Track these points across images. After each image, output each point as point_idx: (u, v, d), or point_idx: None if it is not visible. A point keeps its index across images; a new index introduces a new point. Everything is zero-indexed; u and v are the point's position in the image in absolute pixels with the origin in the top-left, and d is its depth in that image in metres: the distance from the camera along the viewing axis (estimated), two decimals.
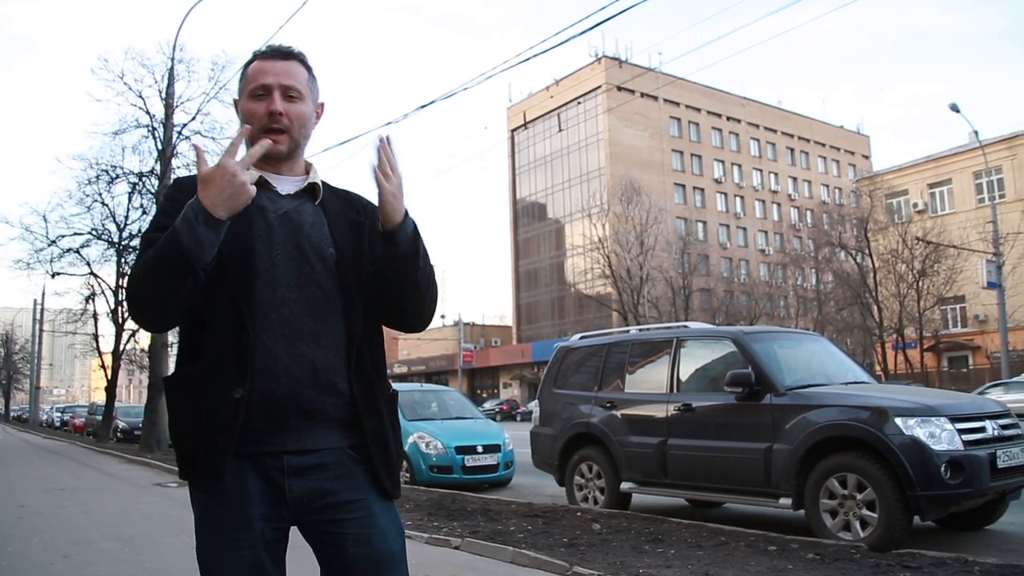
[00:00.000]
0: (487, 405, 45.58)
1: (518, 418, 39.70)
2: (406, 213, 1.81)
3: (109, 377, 24.51)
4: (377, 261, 1.85)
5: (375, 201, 1.84)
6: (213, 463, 1.73)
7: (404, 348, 71.04)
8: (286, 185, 1.88)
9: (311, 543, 1.85)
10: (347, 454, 1.81)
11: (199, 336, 1.79)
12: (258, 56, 1.90)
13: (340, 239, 1.86)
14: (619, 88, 57.23)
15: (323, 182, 1.93)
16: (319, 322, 1.79)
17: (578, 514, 7.30)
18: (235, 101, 1.93)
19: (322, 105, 1.97)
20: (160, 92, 19.32)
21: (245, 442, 1.74)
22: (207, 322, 1.77)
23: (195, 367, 1.78)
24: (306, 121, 1.89)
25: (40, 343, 45.29)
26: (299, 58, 1.91)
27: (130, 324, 23.36)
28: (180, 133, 19.37)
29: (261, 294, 1.76)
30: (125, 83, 19.26)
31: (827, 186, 69.34)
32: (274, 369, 1.74)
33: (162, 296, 1.70)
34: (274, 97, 1.83)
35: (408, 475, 10.66)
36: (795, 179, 69.07)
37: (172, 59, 18.85)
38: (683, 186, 62.61)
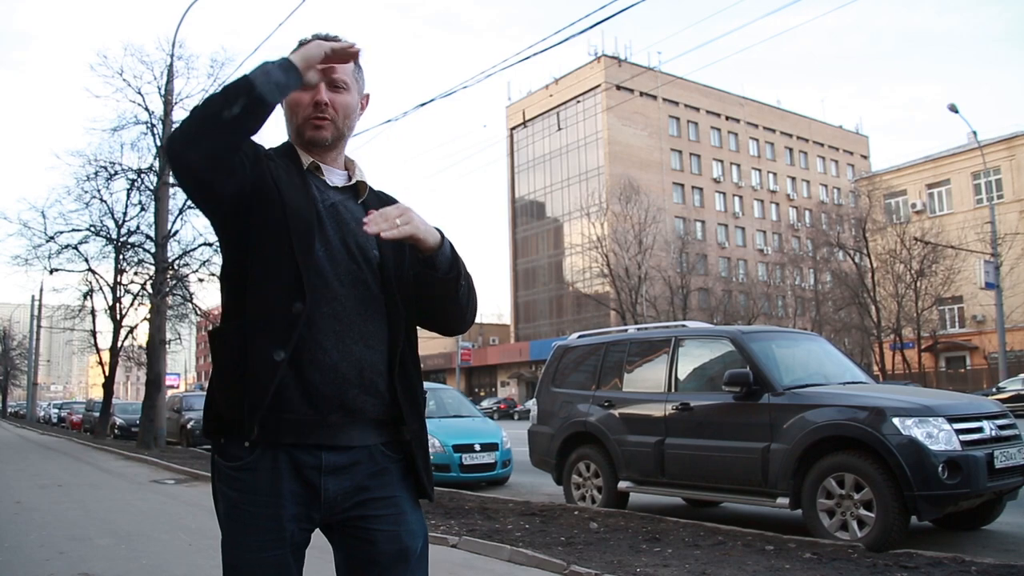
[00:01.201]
0: (484, 404, 45.54)
1: (516, 417, 39.69)
2: (441, 236, 1.79)
3: (107, 374, 24.44)
4: (418, 277, 1.85)
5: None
6: (249, 422, 1.70)
7: None
8: (334, 177, 1.89)
9: (338, 539, 1.85)
10: (380, 451, 1.82)
11: (246, 294, 1.76)
12: (304, 45, 1.87)
13: (383, 242, 1.83)
14: (618, 87, 57.25)
15: (366, 184, 1.94)
16: (367, 322, 1.79)
17: (575, 513, 7.30)
18: None
19: (367, 96, 1.97)
20: (159, 89, 19.31)
21: (286, 432, 1.73)
22: (260, 284, 1.75)
23: (241, 323, 1.75)
24: (351, 112, 1.90)
25: (38, 339, 45.33)
26: None
27: (128, 321, 23.39)
28: None
29: (316, 284, 1.74)
30: (124, 79, 19.24)
31: (826, 186, 69.42)
32: (323, 364, 1.73)
33: (208, 119, 1.64)
34: (320, 88, 1.83)
35: None
36: (794, 179, 69.11)
37: (171, 56, 18.85)
38: (682, 185, 62.63)
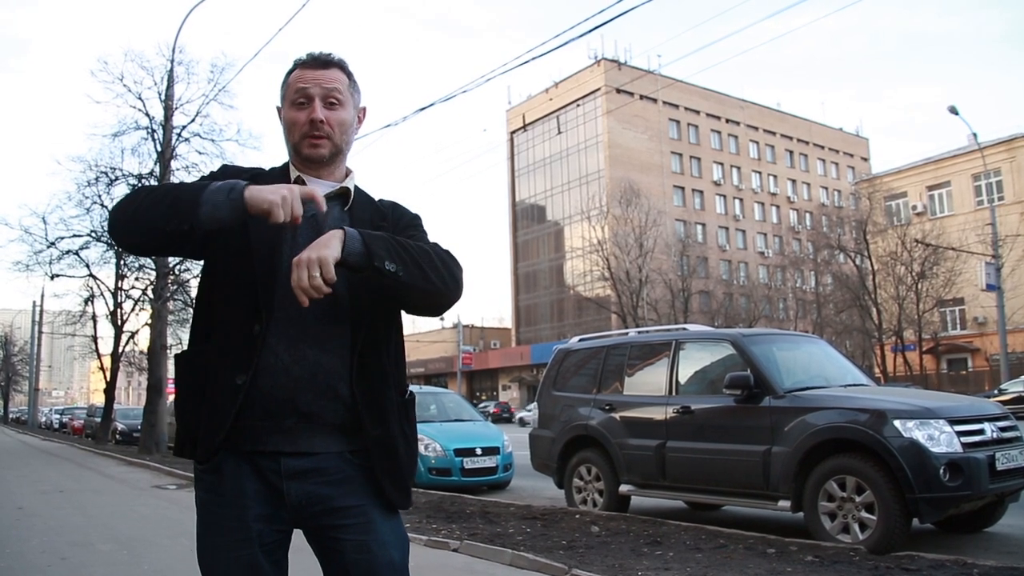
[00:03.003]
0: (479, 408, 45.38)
1: (519, 422, 39.56)
2: (343, 238, 1.68)
3: (108, 379, 24.50)
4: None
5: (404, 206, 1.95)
6: (208, 444, 1.75)
7: None
8: (321, 188, 1.88)
9: (314, 547, 1.86)
10: (346, 459, 1.80)
11: (213, 319, 1.82)
12: (299, 65, 1.92)
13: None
14: (618, 90, 57.26)
15: (357, 187, 1.95)
16: (325, 326, 1.78)
17: (577, 516, 7.30)
18: (277, 108, 1.96)
19: (364, 109, 1.99)
20: (159, 94, 19.37)
21: (242, 439, 1.75)
22: (224, 308, 1.80)
23: (205, 348, 1.81)
24: (347, 127, 1.91)
25: (39, 345, 45.27)
26: (339, 65, 1.92)
27: (129, 326, 23.43)
28: (179, 135, 19.43)
29: (272, 296, 1.77)
30: (124, 85, 19.33)
31: (826, 188, 69.41)
32: (274, 368, 1.74)
33: (150, 222, 1.70)
34: (315, 106, 1.85)
35: None
36: (794, 181, 69.12)
37: (171, 61, 18.93)
38: (682, 188, 62.64)
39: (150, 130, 19.49)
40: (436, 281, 1.77)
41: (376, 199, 2.01)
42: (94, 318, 24.95)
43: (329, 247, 1.65)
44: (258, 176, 1.88)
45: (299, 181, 1.87)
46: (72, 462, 16.94)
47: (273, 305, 1.76)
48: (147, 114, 19.45)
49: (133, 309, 23.03)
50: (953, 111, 28.96)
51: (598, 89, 59.66)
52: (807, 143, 70.30)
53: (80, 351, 30.14)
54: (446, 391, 16.00)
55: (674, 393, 7.51)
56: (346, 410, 1.79)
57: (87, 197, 20.88)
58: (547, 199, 64.86)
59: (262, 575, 1.75)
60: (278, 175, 1.90)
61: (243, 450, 1.75)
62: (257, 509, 1.74)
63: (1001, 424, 6.19)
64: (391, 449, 1.84)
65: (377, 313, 1.84)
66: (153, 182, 19.55)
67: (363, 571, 1.78)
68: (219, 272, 1.81)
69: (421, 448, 10.66)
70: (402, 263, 1.72)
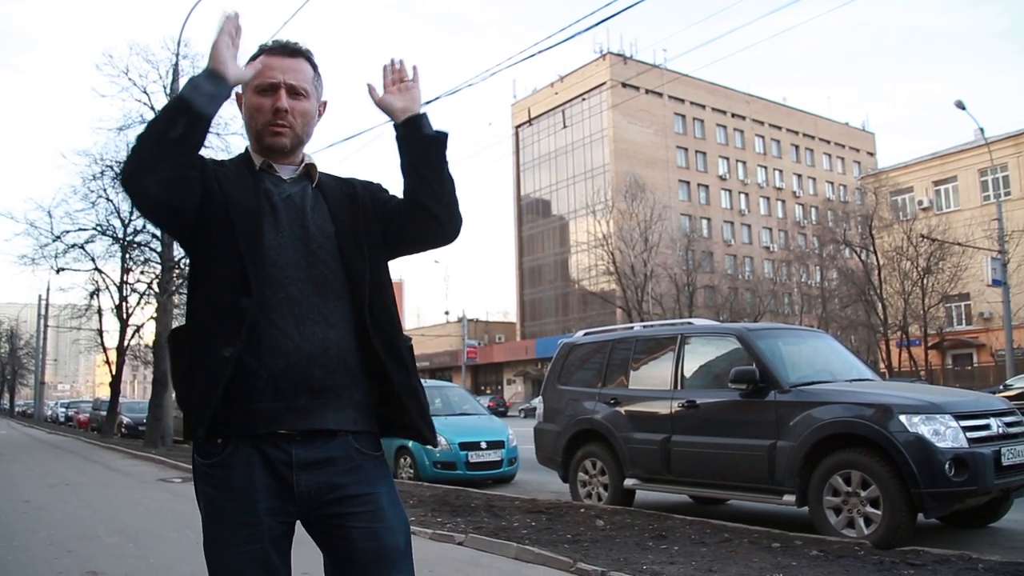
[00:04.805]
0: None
1: (523, 415, 39.58)
2: (423, 112, 1.94)
3: (113, 373, 24.58)
4: (404, 158, 1.94)
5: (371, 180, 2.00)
6: (198, 419, 1.74)
7: None
8: (286, 172, 1.93)
9: (317, 537, 1.86)
10: (355, 449, 1.83)
11: (200, 296, 1.83)
12: (265, 51, 1.92)
13: (339, 214, 1.90)
14: (624, 85, 57.13)
15: (315, 166, 1.97)
16: (327, 301, 1.81)
17: (582, 510, 7.30)
18: (237, 95, 1.95)
19: (325, 103, 2.00)
20: (165, 88, 19.40)
21: (257, 422, 1.75)
22: (209, 284, 1.80)
23: (192, 324, 1.83)
24: (310, 119, 1.93)
25: (45, 339, 45.48)
26: (305, 55, 1.94)
27: (134, 320, 23.46)
28: None
29: (270, 273, 1.78)
30: (130, 79, 19.39)
31: (832, 183, 69.19)
32: (284, 348, 1.75)
33: (156, 142, 1.71)
34: (280, 94, 1.86)
35: (412, 471, 10.73)
36: (800, 176, 68.92)
37: (177, 54, 18.94)
38: (687, 183, 62.52)
39: None
40: (453, 203, 1.96)
41: (342, 177, 2.03)
42: (99, 312, 25.02)
43: (406, 99, 1.96)
44: (219, 165, 1.90)
45: (264, 167, 1.89)
46: (78, 455, 17.01)
47: (263, 281, 1.77)
48: (152, 108, 19.46)
49: (138, 303, 23.09)
50: (960, 106, 28.80)
51: (603, 83, 59.52)
52: (813, 138, 70.10)
53: (86, 345, 30.22)
54: (451, 384, 16.01)
55: (679, 387, 7.51)
56: (355, 381, 1.83)
57: (92, 191, 20.93)
58: (552, 193, 64.78)
59: (271, 568, 1.76)
60: (239, 163, 1.92)
61: (257, 433, 1.75)
62: (267, 503, 1.75)
63: (1007, 419, 6.18)
64: (416, 391, 1.91)
65: (376, 278, 1.88)
66: None
67: (372, 557, 1.80)
68: (203, 250, 1.82)
69: None
70: (448, 167, 1.95)
